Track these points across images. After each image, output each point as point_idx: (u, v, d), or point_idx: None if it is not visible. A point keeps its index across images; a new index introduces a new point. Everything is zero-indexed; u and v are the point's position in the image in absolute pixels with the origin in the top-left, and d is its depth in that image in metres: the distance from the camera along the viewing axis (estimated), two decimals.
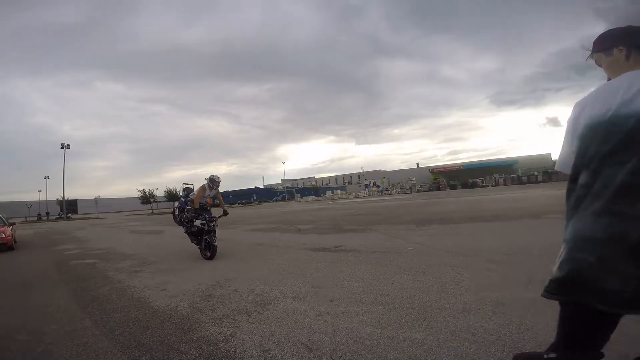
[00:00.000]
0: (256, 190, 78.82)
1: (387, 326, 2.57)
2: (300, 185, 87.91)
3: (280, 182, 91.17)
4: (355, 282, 3.89)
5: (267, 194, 75.16)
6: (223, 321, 2.93)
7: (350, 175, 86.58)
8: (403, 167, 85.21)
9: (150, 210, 47.28)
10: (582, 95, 1.22)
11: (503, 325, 2.38)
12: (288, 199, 65.19)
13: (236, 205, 55.93)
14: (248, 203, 61.98)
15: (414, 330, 2.46)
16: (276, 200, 66.47)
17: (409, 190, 44.21)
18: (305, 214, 18.94)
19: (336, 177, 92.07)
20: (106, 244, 10.44)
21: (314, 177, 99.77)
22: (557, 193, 15.71)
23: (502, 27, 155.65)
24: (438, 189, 42.45)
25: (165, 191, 48.56)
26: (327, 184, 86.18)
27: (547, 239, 4.88)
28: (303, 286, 3.89)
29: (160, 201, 52.58)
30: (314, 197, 55.52)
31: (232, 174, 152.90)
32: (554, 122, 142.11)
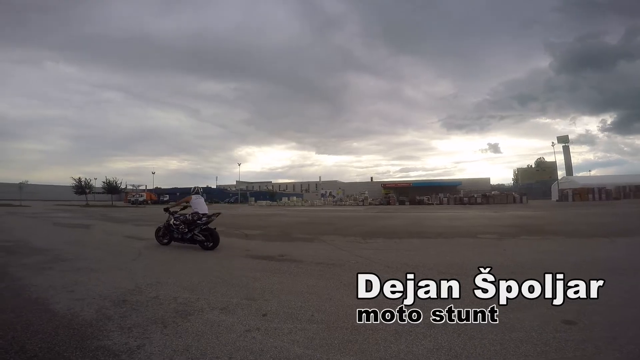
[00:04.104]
0: (208, 189, 75.61)
1: (319, 347, 2.41)
2: (256, 188, 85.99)
3: (234, 183, 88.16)
4: (294, 296, 3.69)
5: (219, 195, 72.25)
6: (132, 331, 2.58)
7: (308, 183, 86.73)
8: (358, 179, 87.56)
9: (85, 202, 42.83)
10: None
11: (433, 350, 2.32)
12: (241, 202, 63.25)
13: None
14: None
15: (345, 353, 2.33)
16: (228, 202, 64.05)
17: (362, 203, 45.24)
18: (257, 218, 18.40)
19: (294, 184, 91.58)
20: (19, 235, 9.13)
21: (271, 181, 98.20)
22: (493, 215, 17.06)
23: (461, 56, 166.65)
24: (388, 203, 43.76)
25: (104, 182, 44.49)
26: (284, 190, 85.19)
27: (480, 258, 5.14)
28: (235, 297, 3.62)
29: (98, 192, 47.90)
30: (269, 202, 54.06)
31: (184, 170, 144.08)
32: (494, 148, 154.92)
